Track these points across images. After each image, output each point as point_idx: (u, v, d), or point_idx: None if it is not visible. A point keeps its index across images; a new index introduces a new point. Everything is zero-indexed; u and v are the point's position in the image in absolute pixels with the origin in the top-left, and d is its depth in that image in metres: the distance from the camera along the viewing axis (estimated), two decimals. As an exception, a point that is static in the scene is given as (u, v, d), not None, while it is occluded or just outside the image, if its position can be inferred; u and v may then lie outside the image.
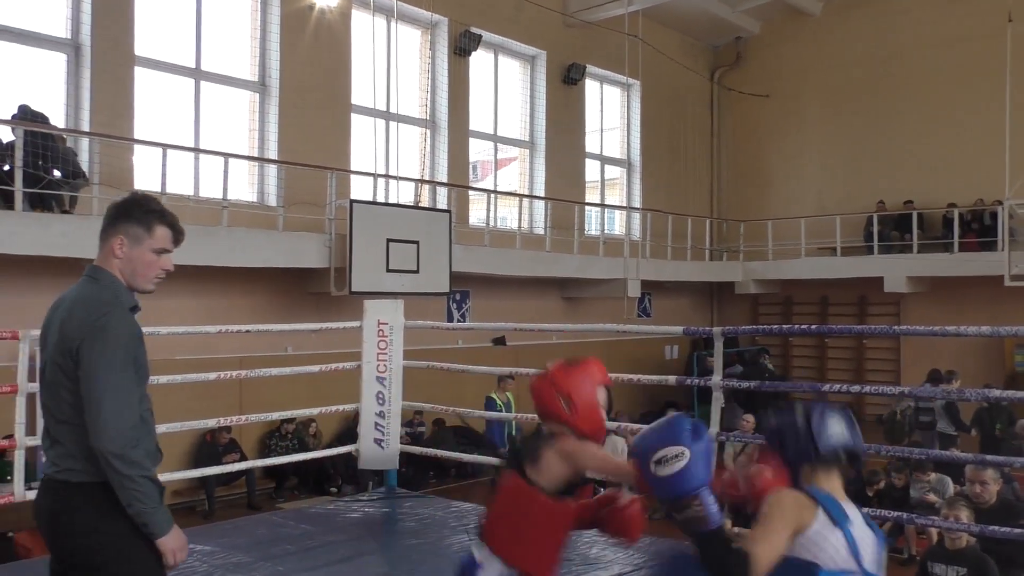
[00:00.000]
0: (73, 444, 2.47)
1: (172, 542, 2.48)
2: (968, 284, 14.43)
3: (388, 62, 12.37)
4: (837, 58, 17.11)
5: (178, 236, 2.65)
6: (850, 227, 16.07)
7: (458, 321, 13.11)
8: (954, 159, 15.49)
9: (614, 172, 17.17)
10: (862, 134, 16.79)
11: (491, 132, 14.58)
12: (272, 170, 11.05)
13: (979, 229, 14.78)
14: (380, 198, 11.77)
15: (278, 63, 11.29)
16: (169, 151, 9.35)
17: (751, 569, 1.98)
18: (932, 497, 7.40)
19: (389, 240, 10.64)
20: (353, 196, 11.13)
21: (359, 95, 12.21)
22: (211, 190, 10.28)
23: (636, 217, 16.20)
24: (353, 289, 10.25)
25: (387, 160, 12.42)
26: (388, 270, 10.64)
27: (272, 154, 11.20)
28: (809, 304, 17.31)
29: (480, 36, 13.52)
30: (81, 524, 2.47)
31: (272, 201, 10.92)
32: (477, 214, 13.98)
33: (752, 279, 17.05)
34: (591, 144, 16.35)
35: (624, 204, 16.62)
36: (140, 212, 2.58)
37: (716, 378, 4.45)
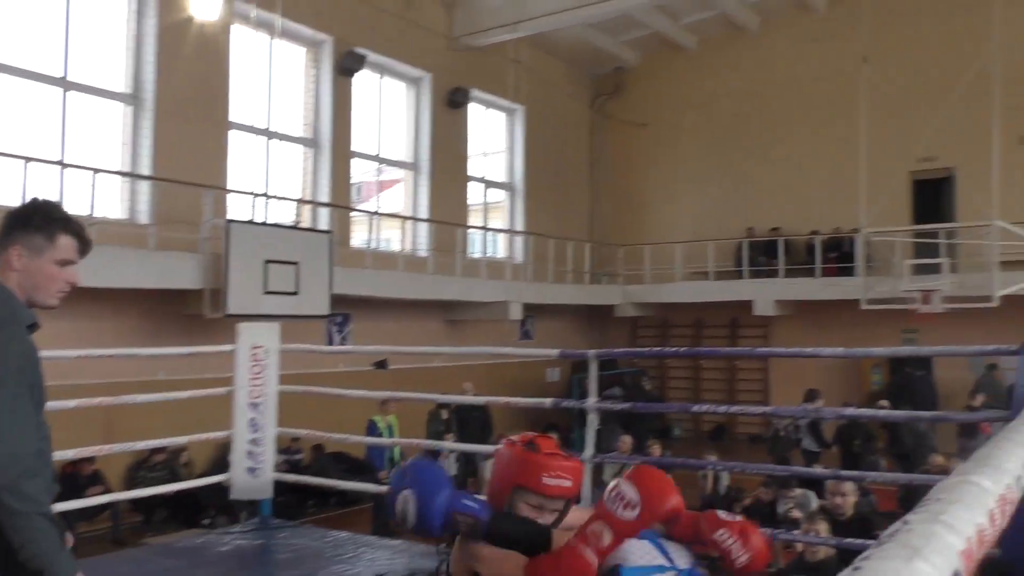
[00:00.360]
0: None
1: None
2: (830, 307, 15.26)
3: (269, 79, 12.13)
4: (711, 91, 17.90)
5: (84, 246, 2.39)
6: (722, 252, 16.77)
7: (339, 344, 12.89)
8: (816, 189, 16.41)
9: (498, 195, 17.36)
10: (733, 163, 17.59)
11: (375, 153, 14.49)
12: (145, 186, 10.62)
13: (839, 256, 15.68)
14: (259, 218, 11.48)
15: (153, 75, 10.89)
16: (31, 164, 8.85)
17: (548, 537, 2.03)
18: (796, 512, 7.75)
19: (267, 261, 10.38)
20: (230, 215, 10.82)
21: (238, 111, 11.91)
22: (78, 206, 9.78)
23: (519, 240, 16.40)
24: (229, 311, 9.93)
25: (267, 179, 12.15)
26: (266, 292, 10.38)
27: (145, 170, 10.77)
28: (685, 326, 17.92)
29: (365, 56, 13.45)
30: None
31: (144, 219, 10.48)
32: (360, 235, 13.84)
33: (630, 302, 17.52)
34: (475, 167, 16.48)
35: (507, 227, 16.80)
36: (40, 219, 2.32)
37: (591, 400, 4.55)
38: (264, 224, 11.11)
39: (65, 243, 2.33)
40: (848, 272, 14.92)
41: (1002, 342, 4.18)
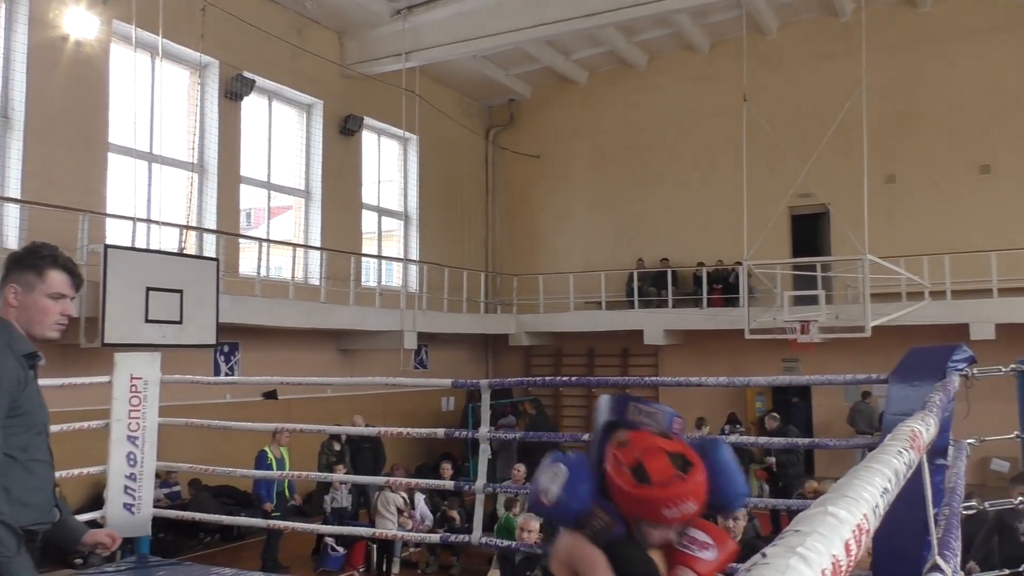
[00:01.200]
0: None
1: None
2: (716, 336, 15.76)
3: (152, 101, 11.73)
4: (601, 125, 18.36)
5: (75, 280, 2.59)
6: (614, 282, 17.11)
7: (226, 374, 12.47)
8: (702, 222, 16.99)
9: (392, 224, 17.24)
10: (623, 195, 18.04)
11: (264, 179, 14.17)
12: (13, 210, 10.05)
13: (724, 287, 16.25)
14: (141, 244, 11.02)
15: (23, 95, 10.35)
16: None
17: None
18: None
19: (149, 288, 9.97)
20: (109, 241, 10.35)
21: (119, 134, 11.45)
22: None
23: (413, 269, 16.32)
24: (106, 341, 9.47)
25: (149, 204, 11.69)
26: (147, 320, 9.95)
27: (14, 192, 10.20)
28: (578, 355, 18.15)
29: (254, 81, 13.19)
30: None
31: (12, 244, 9.90)
32: (249, 263, 13.47)
33: (525, 331, 17.63)
34: (369, 195, 16.34)
35: (401, 256, 16.70)
36: (31, 259, 2.55)
37: (483, 430, 4.53)
38: (146, 250, 10.67)
39: (55, 278, 2.54)
40: (733, 303, 15.46)
41: (874, 370, 4.40)
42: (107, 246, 9.76)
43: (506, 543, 5.00)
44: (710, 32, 16.99)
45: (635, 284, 16.75)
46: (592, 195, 18.51)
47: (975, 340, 12.79)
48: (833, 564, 0.62)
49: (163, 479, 10.72)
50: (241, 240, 13.43)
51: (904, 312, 12.73)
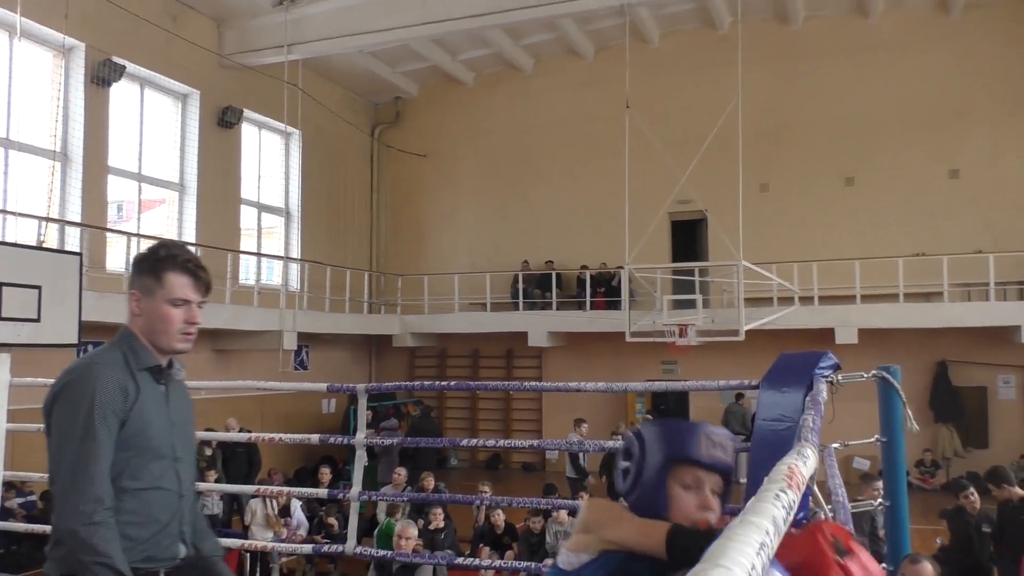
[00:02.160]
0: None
1: None
2: (598, 339, 16.00)
3: (9, 83, 10.96)
4: (486, 126, 18.37)
5: (201, 282, 2.29)
6: (499, 284, 17.13)
7: (88, 376, 11.77)
8: (586, 225, 17.23)
9: (272, 220, 16.72)
10: (509, 197, 18.10)
11: (135, 171, 13.47)
12: None
13: (607, 290, 16.52)
14: (-7, 236, 10.27)
15: None
16: None
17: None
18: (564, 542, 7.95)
19: (2, 284, 9.27)
20: (-43, 232, 9.61)
21: (-29, 118, 10.64)
22: None
23: (294, 267, 15.88)
24: (-48, 340, 8.75)
25: (4, 194, 10.92)
26: (1, 318, 9.25)
27: None
28: (462, 357, 18.09)
29: (124, 67, 12.51)
30: None
31: None
32: (118, 259, 12.77)
33: (409, 332, 17.44)
34: (248, 190, 15.78)
35: (282, 253, 16.22)
36: (150, 261, 2.27)
37: (359, 435, 4.40)
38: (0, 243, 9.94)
39: (175, 281, 2.25)
40: (615, 306, 15.73)
41: (748, 371, 4.51)
42: (-46, 238, 9.03)
43: (382, 552, 4.87)
44: (595, 38, 17.25)
45: (520, 286, 16.82)
46: (478, 196, 18.49)
47: (840, 344, 13.47)
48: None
49: (18, 488, 10.04)
50: (109, 235, 12.71)
51: (775, 317, 13.25)
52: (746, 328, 12.29)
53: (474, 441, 4.56)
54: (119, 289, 11.48)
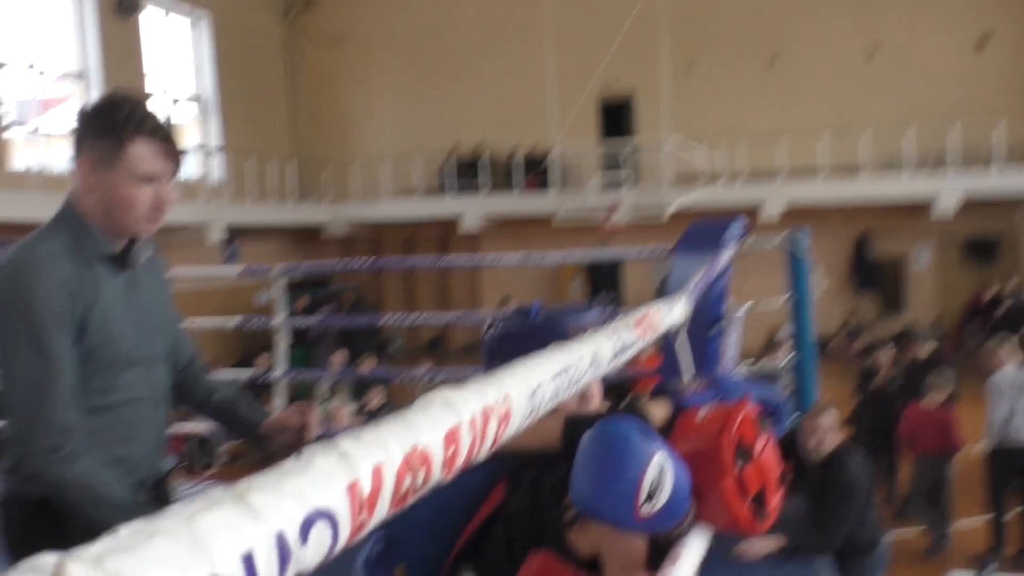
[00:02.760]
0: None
1: None
2: (530, 223, 16.02)
3: None
4: (407, 7, 17.69)
5: (171, 152, 1.74)
6: (429, 169, 16.90)
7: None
8: (515, 108, 16.95)
9: (188, 112, 16.06)
10: (434, 80, 17.65)
11: (30, 64, 12.67)
12: None
13: (538, 173, 16.43)
14: None
15: None
16: None
17: None
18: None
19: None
20: None
21: None
22: None
23: (215, 159, 15.38)
24: None
25: None
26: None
27: None
28: (396, 244, 17.97)
29: (13, -54, 11.62)
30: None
31: None
32: (23, 158, 12.17)
33: (340, 220, 17.20)
34: (156, 81, 15.05)
35: (199, 144, 15.66)
36: (107, 121, 1.68)
37: (278, 318, 4.39)
38: None
39: (142, 151, 1.70)
40: (547, 188, 15.71)
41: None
42: None
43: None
44: (520, -90, 16.55)
45: (450, 171, 16.61)
46: (402, 79, 17.98)
47: (764, 223, 13.75)
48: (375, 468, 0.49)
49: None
50: (6, 134, 12.05)
51: (701, 194, 13.41)
52: (673, 207, 12.46)
53: (411, 318, 4.61)
54: (22, 186, 11.03)
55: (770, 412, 1.72)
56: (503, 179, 16.63)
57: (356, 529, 0.41)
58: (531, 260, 4.68)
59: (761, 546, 3.28)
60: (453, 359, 16.45)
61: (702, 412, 1.60)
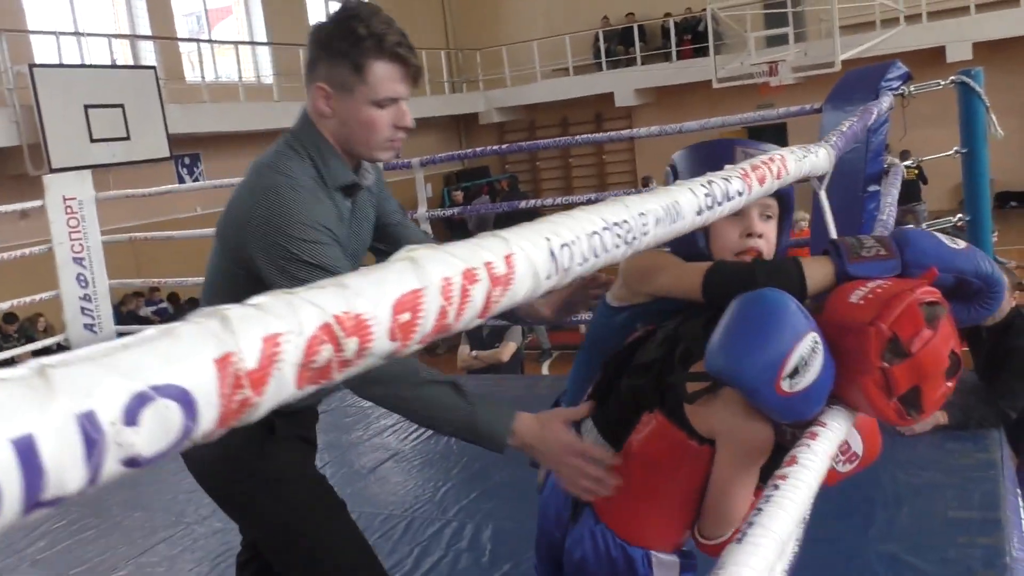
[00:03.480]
0: None
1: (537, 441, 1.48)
2: (688, 91, 15.32)
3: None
4: None
5: (411, 72, 1.66)
6: (580, 45, 16.40)
7: (192, 187, 12.28)
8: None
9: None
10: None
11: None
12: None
13: (693, 37, 15.58)
14: (68, 60, 10.44)
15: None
16: None
17: None
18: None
19: (87, 106, 9.55)
20: (36, 60, 9.80)
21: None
22: None
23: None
24: (55, 165, 9.19)
25: (74, 16, 10.96)
26: (93, 140, 9.62)
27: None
28: (551, 127, 17.76)
29: None
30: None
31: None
32: (195, 70, 12.86)
33: (495, 107, 17.16)
34: (311, -21, 15.30)
35: (355, 43, 15.88)
36: (345, 43, 1.60)
37: (421, 210, 4.45)
38: (76, 66, 10.13)
39: (382, 74, 1.62)
40: (704, 53, 14.89)
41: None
42: (32, 66, 9.24)
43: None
44: None
45: (601, 44, 16.06)
46: (549, -48, 17.34)
47: (951, 63, 12.42)
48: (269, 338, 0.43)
49: (147, 297, 10.85)
50: (183, 46, 12.71)
51: (876, 41, 12.25)
52: (843, 57, 11.46)
53: (564, 199, 4.56)
54: (200, 99, 11.65)
55: (974, 290, 1.27)
56: (658, 47, 15.91)
57: (233, 410, 0.36)
58: (687, 129, 4.45)
59: (925, 422, 3.08)
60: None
61: (860, 292, 1.28)
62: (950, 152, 4.05)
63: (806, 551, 1.35)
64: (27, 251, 5.49)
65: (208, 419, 0.35)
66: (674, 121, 15.85)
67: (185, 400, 0.34)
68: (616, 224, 0.72)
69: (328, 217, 1.63)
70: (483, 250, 0.54)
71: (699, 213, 0.93)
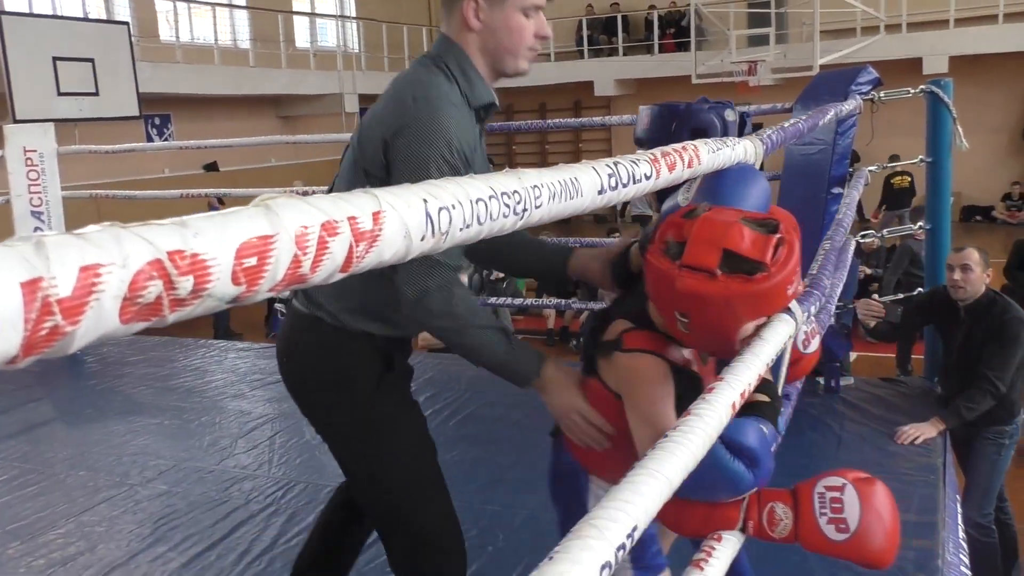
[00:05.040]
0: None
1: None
2: (668, 84, 15.28)
3: None
4: None
5: None
6: (563, 32, 16.35)
7: (161, 148, 12.09)
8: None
9: (323, -22, 16.08)
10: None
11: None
12: None
13: (676, 31, 15.60)
14: (40, 9, 10.21)
15: None
16: None
17: None
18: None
19: (56, 58, 9.35)
20: (4, 7, 9.58)
21: None
22: None
23: (350, 28, 15.42)
24: (18, 117, 9.00)
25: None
26: (60, 93, 9.43)
27: None
28: (529, 112, 17.69)
29: None
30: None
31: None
32: (172, 29, 12.63)
33: (473, 89, 17.04)
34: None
35: (336, 13, 15.72)
36: None
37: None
38: (46, 16, 9.91)
39: None
40: (686, 47, 14.90)
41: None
42: (1, 12, 9.02)
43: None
44: None
45: (584, 33, 16.02)
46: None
47: (927, 74, 12.55)
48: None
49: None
50: (159, 4, 12.48)
51: (855, 48, 12.33)
52: (822, 62, 11.52)
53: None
54: (173, 59, 11.46)
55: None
56: (641, 39, 15.91)
57: (42, 337, 0.35)
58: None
59: (916, 435, 3.18)
60: (582, 229, 16.36)
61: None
62: (915, 160, 4.10)
63: (744, 546, 1.38)
64: (-17, 201, 5.39)
65: (10, 343, 0.33)
66: (651, 114, 15.69)
67: (-20, 322, 0.33)
68: (505, 194, 0.71)
69: (472, 141, 1.69)
70: (348, 204, 0.53)
71: (600, 192, 0.93)
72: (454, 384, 4.09)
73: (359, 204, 0.55)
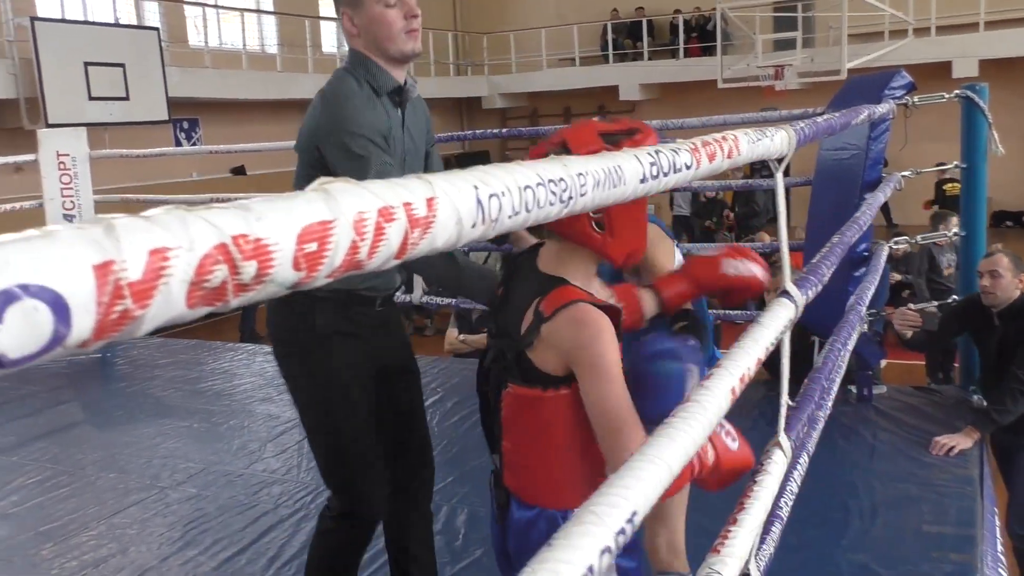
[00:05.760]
0: None
1: None
2: (692, 89, 15.26)
3: None
4: None
5: None
6: (588, 36, 16.34)
7: (189, 152, 12.21)
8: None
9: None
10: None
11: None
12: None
13: (701, 35, 15.53)
14: (71, 15, 10.36)
15: None
16: None
17: None
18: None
19: (87, 64, 9.47)
20: (38, 13, 9.72)
21: None
22: None
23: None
24: (51, 121, 9.13)
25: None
26: (91, 98, 9.55)
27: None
28: (554, 116, 17.69)
29: None
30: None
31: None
32: (199, 34, 12.78)
33: (498, 93, 17.09)
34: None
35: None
36: None
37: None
38: (78, 22, 10.05)
39: None
40: (711, 52, 14.83)
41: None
42: (34, 19, 9.16)
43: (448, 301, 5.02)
44: None
45: (609, 37, 16.00)
46: (563, -60, 17.23)
47: (957, 78, 12.40)
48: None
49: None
50: (187, 10, 12.61)
51: (884, 52, 12.22)
52: (850, 66, 11.42)
53: None
54: (202, 64, 11.57)
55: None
56: (666, 43, 15.86)
57: (113, 320, 0.35)
58: (688, 125, 4.43)
59: (949, 445, 3.14)
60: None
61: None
62: (950, 165, 4.04)
63: (778, 556, 1.36)
64: (18, 205, 5.46)
65: (83, 326, 0.33)
66: (677, 117, 15.75)
67: (57, 304, 0.32)
68: (552, 181, 0.70)
69: (379, 121, 1.96)
70: (404, 190, 0.52)
71: (643, 181, 0.92)
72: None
73: (414, 189, 0.54)
